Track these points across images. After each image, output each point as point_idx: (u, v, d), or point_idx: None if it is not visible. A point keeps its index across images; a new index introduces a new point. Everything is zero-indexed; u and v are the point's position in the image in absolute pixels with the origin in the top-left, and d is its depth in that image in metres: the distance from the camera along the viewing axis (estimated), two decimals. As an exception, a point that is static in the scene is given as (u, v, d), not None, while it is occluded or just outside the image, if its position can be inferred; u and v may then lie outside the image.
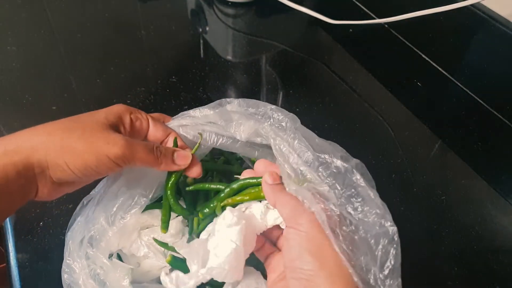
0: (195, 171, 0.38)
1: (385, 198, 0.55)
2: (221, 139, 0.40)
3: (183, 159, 0.37)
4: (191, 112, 0.41)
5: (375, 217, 0.33)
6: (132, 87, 0.67)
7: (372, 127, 0.65)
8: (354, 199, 0.33)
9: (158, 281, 0.42)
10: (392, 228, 0.33)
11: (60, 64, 0.72)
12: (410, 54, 0.78)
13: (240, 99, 0.41)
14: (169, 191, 0.39)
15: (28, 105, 0.63)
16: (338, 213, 0.32)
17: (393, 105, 0.69)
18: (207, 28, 0.81)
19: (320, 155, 0.35)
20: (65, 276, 0.37)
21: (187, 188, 0.43)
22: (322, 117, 0.65)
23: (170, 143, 0.38)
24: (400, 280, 0.32)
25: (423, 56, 0.77)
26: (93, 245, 0.38)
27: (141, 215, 0.43)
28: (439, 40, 0.74)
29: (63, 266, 0.37)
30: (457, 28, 0.69)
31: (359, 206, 0.33)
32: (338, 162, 0.35)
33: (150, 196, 0.40)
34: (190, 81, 0.69)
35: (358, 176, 0.35)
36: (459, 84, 0.72)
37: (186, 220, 0.44)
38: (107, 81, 0.68)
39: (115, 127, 0.35)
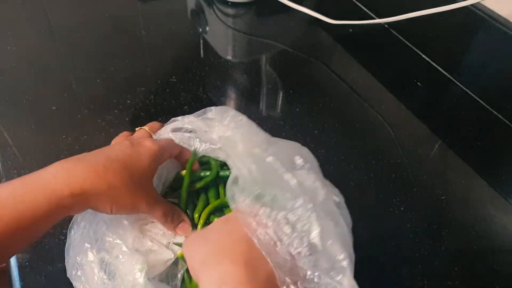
0: (182, 231, 0.43)
1: (385, 198, 0.56)
2: (204, 146, 0.46)
3: (183, 231, 0.43)
4: (179, 118, 0.47)
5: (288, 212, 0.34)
6: (132, 87, 0.67)
7: (372, 127, 0.65)
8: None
9: (163, 276, 0.42)
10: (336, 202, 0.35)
11: (60, 64, 0.72)
12: (410, 54, 0.78)
13: (218, 107, 0.47)
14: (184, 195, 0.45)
15: (28, 105, 0.63)
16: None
17: (393, 105, 0.69)
18: (207, 28, 0.81)
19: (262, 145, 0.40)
20: (73, 263, 0.37)
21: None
22: (322, 117, 0.65)
23: (185, 155, 0.46)
24: (347, 253, 0.32)
25: (423, 56, 0.77)
26: (111, 233, 0.39)
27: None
28: (439, 40, 0.74)
29: (70, 258, 0.38)
30: (457, 28, 0.69)
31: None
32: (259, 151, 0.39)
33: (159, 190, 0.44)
34: (190, 81, 0.69)
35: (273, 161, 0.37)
36: (459, 84, 0.72)
37: None
38: (107, 81, 0.68)
39: (155, 170, 0.42)
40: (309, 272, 0.32)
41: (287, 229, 0.33)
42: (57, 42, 0.76)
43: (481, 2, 0.61)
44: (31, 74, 0.69)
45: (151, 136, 0.46)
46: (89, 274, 0.37)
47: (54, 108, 0.63)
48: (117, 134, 0.46)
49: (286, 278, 0.32)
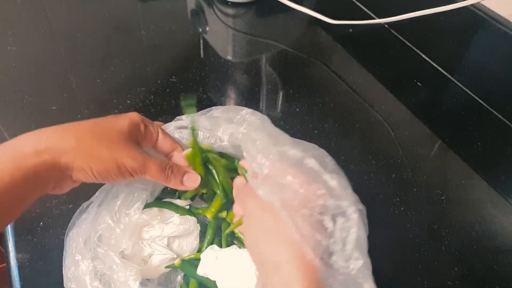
0: (191, 183, 0.40)
1: (385, 198, 0.56)
2: (212, 140, 0.44)
3: (192, 182, 0.40)
4: (183, 117, 0.45)
5: (335, 200, 0.34)
6: (132, 87, 0.67)
7: (372, 127, 0.65)
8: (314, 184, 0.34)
9: (162, 279, 0.42)
10: (351, 208, 0.34)
11: (60, 64, 0.72)
12: (410, 54, 0.78)
13: (225, 106, 0.46)
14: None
15: (28, 105, 0.63)
16: (296, 199, 0.33)
17: (393, 105, 0.69)
18: (207, 28, 0.81)
19: (280, 148, 0.37)
20: (68, 275, 0.37)
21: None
22: (322, 117, 0.65)
23: (176, 158, 0.41)
24: (367, 260, 0.32)
25: (423, 56, 0.77)
26: (103, 244, 0.38)
27: (139, 215, 0.43)
28: (439, 40, 0.74)
29: (67, 265, 0.37)
30: (457, 28, 0.69)
31: (319, 190, 0.34)
32: (295, 151, 0.37)
33: (150, 189, 0.42)
34: (190, 81, 0.69)
35: (313, 162, 0.36)
36: (459, 84, 0.72)
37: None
38: (107, 81, 0.68)
39: (134, 137, 0.38)
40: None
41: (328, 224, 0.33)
42: (57, 42, 0.76)
43: (481, 2, 0.61)
44: (31, 74, 0.69)
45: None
46: (82, 286, 0.36)
47: (54, 108, 0.63)
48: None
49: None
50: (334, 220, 0.33)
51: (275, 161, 0.35)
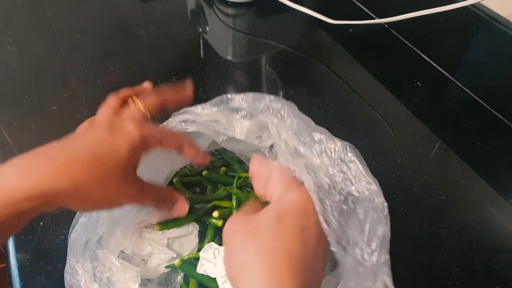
0: (179, 212, 0.40)
1: (385, 198, 0.55)
2: (221, 138, 0.41)
3: (180, 211, 0.39)
4: (193, 108, 0.42)
5: (365, 191, 0.34)
6: (132, 87, 0.67)
7: (372, 127, 0.65)
8: (344, 173, 0.34)
9: (162, 279, 0.42)
10: (382, 203, 0.33)
11: (60, 64, 0.72)
12: (410, 54, 0.78)
13: (241, 95, 0.42)
14: None
15: (28, 105, 0.63)
16: (328, 182, 0.32)
17: (393, 105, 0.69)
18: (207, 28, 0.81)
19: (315, 134, 0.36)
20: (67, 278, 0.37)
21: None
22: (322, 117, 0.65)
23: (187, 151, 0.39)
24: (388, 256, 0.32)
25: (423, 56, 0.77)
26: (103, 246, 0.38)
27: (139, 214, 0.43)
28: (439, 40, 0.74)
29: (66, 268, 0.37)
30: (457, 28, 0.69)
31: (350, 180, 0.34)
32: (331, 141, 0.36)
33: None
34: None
35: (350, 154, 0.35)
36: (459, 84, 0.72)
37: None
38: (107, 81, 0.68)
39: (132, 163, 0.35)
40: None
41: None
42: (57, 42, 0.76)
43: (481, 2, 0.61)
44: (31, 74, 0.69)
45: (144, 117, 0.39)
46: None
47: (54, 108, 0.63)
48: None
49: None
50: (365, 211, 0.33)
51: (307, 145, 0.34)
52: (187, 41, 0.79)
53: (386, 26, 0.82)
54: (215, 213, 0.44)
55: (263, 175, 0.35)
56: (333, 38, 0.81)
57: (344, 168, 0.34)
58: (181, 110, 0.43)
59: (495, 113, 0.67)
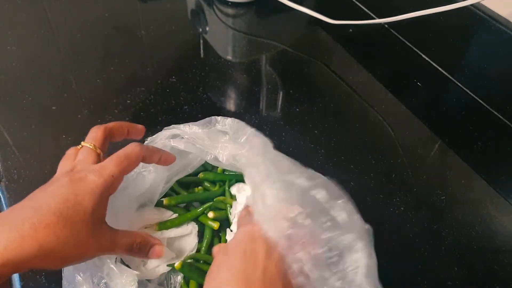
0: (156, 255, 0.39)
1: (385, 198, 0.56)
2: (209, 157, 0.44)
3: (156, 255, 0.39)
4: (181, 126, 0.44)
5: (343, 232, 0.35)
6: (132, 87, 0.67)
7: (372, 127, 0.65)
8: (320, 216, 0.35)
9: (162, 279, 0.42)
10: (359, 242, 0.35)
11: (60, 64, 0.72)
12: (410, 54, 0.78)
13: (230, 119, 0.44)
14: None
15: (28, 105, 0.63)
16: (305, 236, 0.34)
17: (393, 105, 0.69)
18: (207, 28, 0.81)
19: (286, 176, 0.37)
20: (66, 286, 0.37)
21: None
22: (322, 117, 0.65)
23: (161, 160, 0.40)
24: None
25: (423, 56, 0.77)
26: None
27: (151, 210, 0.44)
28: (439, 40, 0.74)
29: (64, 278, 0.37)
30: (457, 28, 0.69)
31: (324, 223, 0.35)
32: (302, 180, 0.37)
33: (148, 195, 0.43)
34: (190, 81, 0.69)
35: (322, 193, 0.36)
36: (459, 84, 0.72)
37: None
38: (107, 81, 0.68)
39: (100, 212, 0.34)
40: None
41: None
42: (57, 42, 0.76)
43: (481, 2, 0.61)
44: (31, 74, 0.69)
45: (98, 156, 0.38)
46: None
47: (54, 108, 0.63)
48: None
49: None
50: (341, 256, 0.34)
51: (279, 189, 0.35)
52: (187, 41, 0.79)
53: (386, 26, 0.82)
54: (210, 214, 0.44)
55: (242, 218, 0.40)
56: (333, 38, 0.81)
57: (316, 210, 0.36)
58: (171, 126, 0.45)
59: (495, 113, 0.67)
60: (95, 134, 0.39)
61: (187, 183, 0.49)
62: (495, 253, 0.50)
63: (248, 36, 0.81)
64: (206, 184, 0.49)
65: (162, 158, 0.40)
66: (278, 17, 0.85)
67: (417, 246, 0.50)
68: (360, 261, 0.33)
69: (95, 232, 0.33)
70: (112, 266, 0.37)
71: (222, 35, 0.82)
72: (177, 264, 0.40)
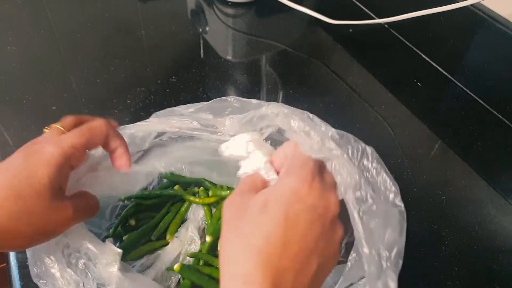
0: (120, 165, 0.36)
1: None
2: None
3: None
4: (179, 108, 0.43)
5: (386, 195, 0.34)
6: (132, 87, 0.67)
7: (372, 127, 0.65)
8: (366, 175, 0.35)
9: (158, 276, 0.42)
10: (401, 210, 0.34)
11: (60, 64, 0.72)
12: (410, 54, 0.78)
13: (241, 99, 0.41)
14: None
15: (28, 105, 0.63)
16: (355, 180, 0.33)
17: (393, 105, 0.69)
18: (207, 28, 0.81)
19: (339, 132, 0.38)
20: (34, 271, 0.34)
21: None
22: (322, 117, 0.65)
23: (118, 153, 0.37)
24: (398, 261, 0.34)
25: (423, 56, 0.77)
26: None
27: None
28: (439, 40, 0.74)
29: (30, 262, 0.35)
30: (457, 28, 0.69)
31: (372, 183, 0.35)
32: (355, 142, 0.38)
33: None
34: (190, 81, 0.69)
35: (372, 158, 0.37)
36: (459, 84, 0.72)
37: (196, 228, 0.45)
38: (107, 81, 0.68)
39: (58, 183, 0.31)
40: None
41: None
42: (57, 42, 0.76)
43: (481, 2, 0.61)
44: (31, 74, 0.69)
45: (61, 132, 0.35)
46: (55, 280, 0.33)
47: (54, 108, 0.63)
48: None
49: None
50: (385, 216, 0.33)
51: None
52: (187, 41, 0.79)
53: (386, 26, 0.82)
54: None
55: (289, 152, 0.34)
56: (333, 38, 0.81)
57: (367, 171, 0.36)
58: (167, 110, 0.44)
59: (495, 113, 0.67)
60: (67, 118, 0.37)
61: (187, 183, 0.49)
62: (495, 253, 0.50)
63: (248, 36, 0.81)
64: (207, 183, 0.49)
65: (118, 151, 0.36)
66: (278, 17, 0.85)
67: (417, 246, 0.50)
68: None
69: (53, 206, 0.30)
70: (90, 246, 0.34)
71: (222, 35, 0.82)
72: (176, 266, 0.40)
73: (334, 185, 0.32)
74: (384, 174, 0.35)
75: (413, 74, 0.74)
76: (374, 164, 0.36)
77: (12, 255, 0.46)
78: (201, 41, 0.78)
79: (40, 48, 0.74)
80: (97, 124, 0.35)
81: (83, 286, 0.33)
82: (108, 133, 0.35)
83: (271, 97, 0.68)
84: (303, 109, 0.65)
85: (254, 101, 0.40)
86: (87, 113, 0.62)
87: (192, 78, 0.69)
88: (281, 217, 0.27)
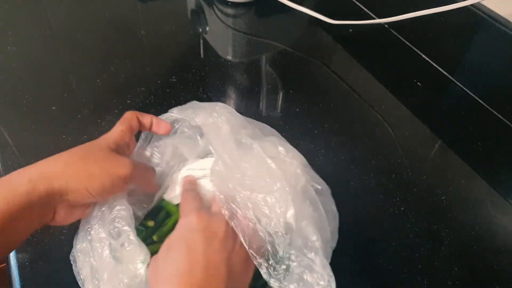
0: (164, 129, 0.45)
1: (385, 198, 0.56)
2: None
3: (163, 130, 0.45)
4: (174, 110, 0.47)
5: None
6: (132, 87, 0.67)
7: (372, 127, 0.65)
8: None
9: None
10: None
11: (60, 64, 0.72)
12: (410, 54, 0.78)
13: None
14: None
15: (28, 105, 0.63)
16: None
17: (393, 105, 0.69)
18: (207, 28, 0.81)
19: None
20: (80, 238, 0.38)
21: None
22: (322, 117, 0.65)
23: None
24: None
25: (423, 56, 0.77)
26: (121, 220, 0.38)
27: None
28: (439, 40, 0.74)
29: (81, 232, 0.38)
30: (457, 28, 0.69)
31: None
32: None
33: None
34: (190, 81, 0.69)
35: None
36: (459, 84, 0.72)
37: None
38: (107, 81, 0.68)
39: (121, 150, 0.41)
40: (282, 252, 0.36)
41: (265, 210, 0.37)
42: (57, 42, 0.76)
43: (481, 2, 0.61)
44: (31, 74, 0.69)
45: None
46: (97, 250, 0.36)
47: (54, 108, 0.63)
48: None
49: (261, 260, 0.35)
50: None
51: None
52: (187, 41, 0.79)
53: (386, 26, 0.82)
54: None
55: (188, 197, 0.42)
56: (333, 38, 0.81)
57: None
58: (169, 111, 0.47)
59: (495, 113, 0.67)
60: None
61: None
62: (495, 253, 0.50)
63: (248, 36, 0.81)
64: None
65: (154, 121, 0.45)
66: (278, 17, 0.85)
67: (417, 246, 0.50)
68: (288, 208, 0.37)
69: (112, 156, 0.38)
70: (132, 237, 0.37)
71: (222, 35, 0.82)
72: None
73: (220, 212, 0.38)
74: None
75: (413, 74, 0.74)
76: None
77: (12, 255, 0.46)
78: (201, 41, 0.78)
79: (40, 48, 0.74)
80: (126, 114, 0.44)
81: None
82: (137, 114, 0.44)
83: (271, 97, 0.68)
84: (303, 109, 0.66)
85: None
86: (87, 113, 0.62)
87: (192, 78, 0.69)
88: (182, 248, 0.34)
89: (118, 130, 0.42)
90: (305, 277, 0.34)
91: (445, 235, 0.52)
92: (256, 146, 0.40)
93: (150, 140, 0.47)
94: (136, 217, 0.41)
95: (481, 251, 0.50)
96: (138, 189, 0.43)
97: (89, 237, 0.38)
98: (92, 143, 0.39)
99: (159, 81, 0.68)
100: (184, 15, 0.85)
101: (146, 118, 0.45)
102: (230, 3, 0.85)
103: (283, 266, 0.35)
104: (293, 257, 0.35)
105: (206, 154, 0.48)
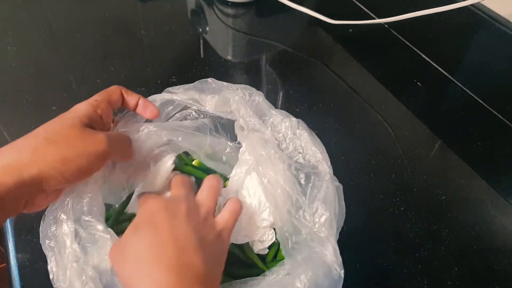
0: (151, 113, 0.42)
1: (385, 198, 0.56)
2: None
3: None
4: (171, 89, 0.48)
5: (311, 160, 0.40)
6: (132, 87, 0.66)
7: (372, 127, 0.65)
8: (294, 145, 0.41)
9: None
10: (325, 170, 0.39)
11: (60, 64, 0.72)
12: (410, 54, 0.78)
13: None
14: None
15: (28, 105, 0.63)
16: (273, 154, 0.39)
17: (393, 105, 0.69)
18: (207, 28, 0.81)
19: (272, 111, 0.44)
20: (48, 232, 0.36)
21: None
22: (322, 117, 0.65)
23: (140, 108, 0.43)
24: (332, 219, 0.36)
25: (423, 56, 0.77)
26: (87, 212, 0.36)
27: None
28: (439, 40, 0.74)
29: (45, 225, 0.37)
30: (457, 28, 0.69)
31: (298, 150, 0.41)
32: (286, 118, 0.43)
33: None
34: (190, 81, 0.68)
35: (301, 128, 0.42)
36: (459, 84, 0.72)
37: None
38: (107, 81, 0.68)
39: (91, 124, 0.37)
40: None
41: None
42: (57, 42, 0.76)
43: (481, 2, 0.61)
44: (31, 74, 0.69)
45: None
46: (61, 246, 0.35)
47: (54, 108, 0.63)
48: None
49: None
50: (308, 177, 0.38)
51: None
52: (187, 41, 0.79)
53: (386, 26, 0.82)
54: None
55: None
56: (333, 38, 0.81)
57: (296, 141, 0.41)
58: (165, 90, 0.47)
59: (495, 113, 0.67)
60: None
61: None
62: (495, 253, 0.50)
63: (248, 36, 0.81)
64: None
65: (140, 102, 0.42)
66: (278, 17, 0.85)
67: (417, 246, 0.50)
68: (322, 186, 0.38)
69: (85, 134, 0.35)
70: (99, 227, 0.35)
71: (222, 35, 0.82)
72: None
73: (178, 193, 0.38)
74: (310, 141, 0.41)
75: (413, 74, 0.74)
76: (302, 134, 0.42)
77: (12, 255, 0.46)
78: (201, 41, 0.78)
79: (40, 48, 0.74)
80: (111, 87, 0.42)
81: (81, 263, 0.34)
82: (122, 90, 0.42)
83: (271, 97, 0.68)
84: (303, 109, 0.66)
85: (225, 83, 0.48)
86: (87, 113, 0.62)
87: (192, 78, 0.69)
88: (149, 227, 0.33)
89: (92, 100, 0.39)
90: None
91: (445, 235, 0.52)
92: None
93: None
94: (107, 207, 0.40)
95: (481, 251, 0.50)
96: (114, 159, 0.40)
97: (53, 229, 0.36)
98: (61, 118, 0.36)
99: (159, 81, 0.68)
100: (184, 15, 0.85)
101: (132, 96, 0.42)
102: (230, 3, 0.85)
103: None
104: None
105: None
